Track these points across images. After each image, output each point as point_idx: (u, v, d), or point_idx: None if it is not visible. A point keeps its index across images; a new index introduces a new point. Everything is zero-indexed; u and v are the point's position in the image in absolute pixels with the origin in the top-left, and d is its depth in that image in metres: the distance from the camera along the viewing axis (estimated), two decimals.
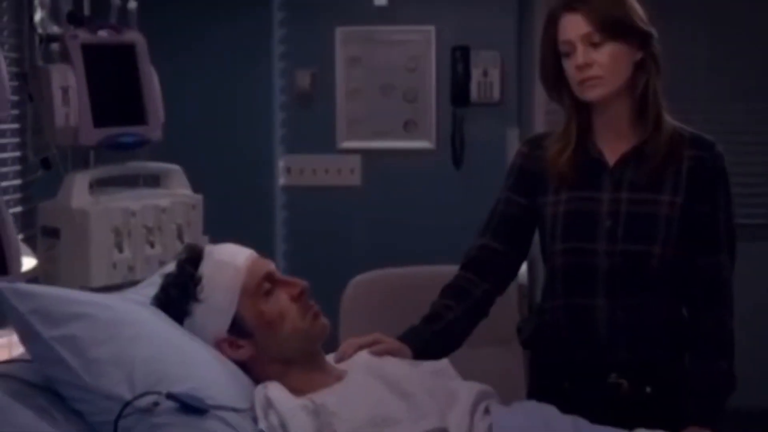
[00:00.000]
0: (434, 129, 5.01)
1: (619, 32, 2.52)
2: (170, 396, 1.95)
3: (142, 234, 3.53)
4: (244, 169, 4.89)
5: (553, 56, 2.60)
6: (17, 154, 4.01)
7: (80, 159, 3.68)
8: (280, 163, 5.07)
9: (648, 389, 2.59)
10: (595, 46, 2.52)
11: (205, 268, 2.21)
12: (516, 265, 2.73)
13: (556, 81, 2.63)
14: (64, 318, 2.02)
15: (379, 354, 2.38)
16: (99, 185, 3.58)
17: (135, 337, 2.06)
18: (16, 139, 4.11)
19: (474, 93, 4.94)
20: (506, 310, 3.22)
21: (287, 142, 5.08)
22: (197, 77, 4.82)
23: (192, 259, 2.24)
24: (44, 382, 2.04)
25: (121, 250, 3.47)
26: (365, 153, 5.04)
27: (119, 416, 1.92)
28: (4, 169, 3.83)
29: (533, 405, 2.36)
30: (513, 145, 4.74)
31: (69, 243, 3.38)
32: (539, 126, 4.90)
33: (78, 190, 3.42)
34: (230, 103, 4.91)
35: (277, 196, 5.08)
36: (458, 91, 4.94)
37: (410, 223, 4.97)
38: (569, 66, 2.56)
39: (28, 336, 2.01)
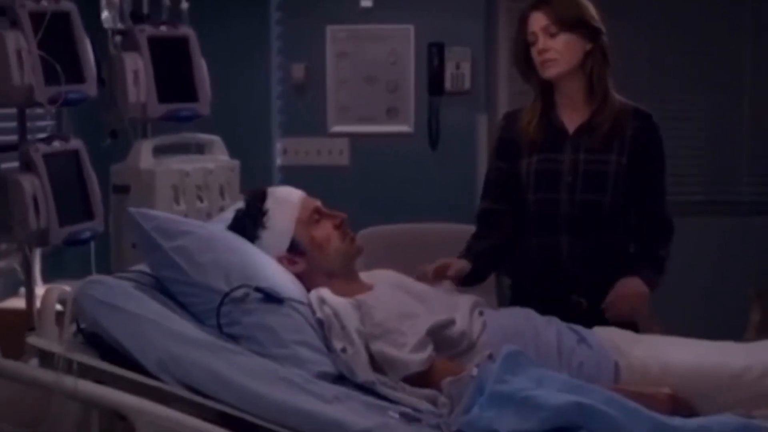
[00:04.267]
0: (413, 115, 5.13)
1: (572, 26, 2.98)
2: (257, 289, 2.41)
3: (194, 191, 3.94)
4: (246, 150, 4.67)
5: (524, 46, 3.05)
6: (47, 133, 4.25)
7: (141, 130, 4.06)
8: (278, 145, 5.19)
9: (602, 307, 2.95)
10: (552, 35, 2.97)
11: (269, 204, 2.69)
12: (518, 218, 3.05)
13: (527, 66, 3.07)
14: (176, 233, 2.49)
15: (451, 274, 2.86)
16: (155, 152, 3.95)
17: (227, 248, 2.53)
18: (53, 122, 4.45)
19: (448, 83, 5.08)
20: None
21: (284, 126, 5.19)
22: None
23: (259, 197, 2.72)
24: (155, 285, 2.48)
25: (178, 203, 3.88)
26: (353, 136, 5.16)
27: (221, 304, 2.39)
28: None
29: (517, 308, 2.78)
30: (482, 128, 5.05)
31: (137, 197, 3.76)
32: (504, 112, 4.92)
33: (145, 154, 3.82)
34: (234, 92, 4.95)
35: (275, 174, 5.18)
36: (434, 82, 5.08)
37: (391, 198, 5.05)
38: (534, 51, 3.01)
39: (151, 246, 2.48)
